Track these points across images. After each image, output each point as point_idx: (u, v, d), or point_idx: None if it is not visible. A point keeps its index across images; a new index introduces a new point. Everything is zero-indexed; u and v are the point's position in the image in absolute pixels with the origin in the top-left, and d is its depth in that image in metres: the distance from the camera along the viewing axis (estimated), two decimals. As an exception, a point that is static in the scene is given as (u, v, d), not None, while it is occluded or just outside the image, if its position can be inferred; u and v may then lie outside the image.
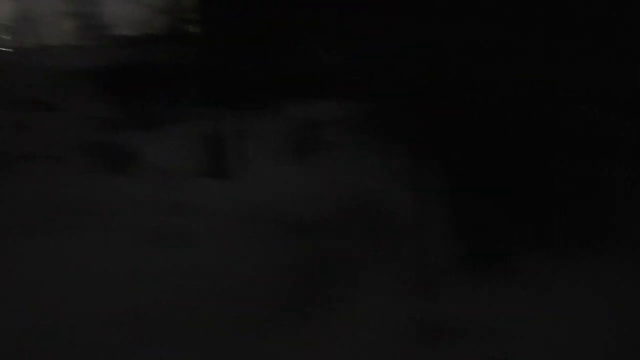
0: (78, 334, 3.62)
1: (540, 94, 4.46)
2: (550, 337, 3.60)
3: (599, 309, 3.79)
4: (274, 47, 11.51)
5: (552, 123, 4.47)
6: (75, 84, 9.51)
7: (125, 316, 3.85)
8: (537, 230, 4.43)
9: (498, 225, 4.46)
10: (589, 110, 4.45)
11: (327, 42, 12.57)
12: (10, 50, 21.02)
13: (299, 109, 11.22)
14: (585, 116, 4.46)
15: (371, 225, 5.33)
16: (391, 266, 4.74)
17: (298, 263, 4.87)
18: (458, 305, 4.06)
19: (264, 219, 5.50)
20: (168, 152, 8.76)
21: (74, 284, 4.25)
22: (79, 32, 24.02)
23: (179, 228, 5.28)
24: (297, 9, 11.78)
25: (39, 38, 22.37)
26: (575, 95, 4.48)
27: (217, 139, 7.88)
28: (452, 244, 4.71)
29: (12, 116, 6.57)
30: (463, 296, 4.18)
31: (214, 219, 5.44)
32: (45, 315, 3.83)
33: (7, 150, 6.18)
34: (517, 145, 4.44)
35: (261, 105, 10.65)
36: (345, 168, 6.38)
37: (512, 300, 4.05)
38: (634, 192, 4.57)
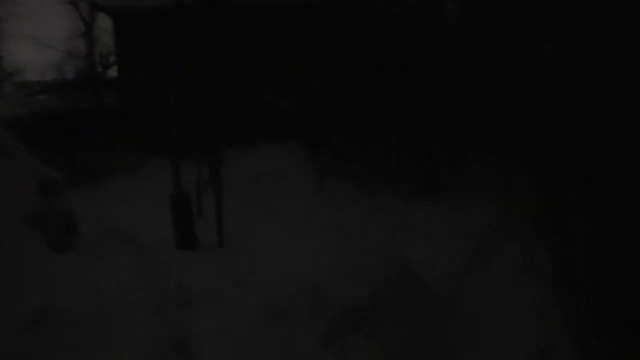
0: None
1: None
2: None
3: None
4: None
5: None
6: (11, 140, 7.51)
7: None
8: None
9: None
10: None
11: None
12: None
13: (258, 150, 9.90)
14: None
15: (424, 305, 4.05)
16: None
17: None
18: None
19: (288, 306, 4.01)
20: (124, 214, 7.04)
21: None
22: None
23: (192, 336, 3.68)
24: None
25: None
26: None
27: (178, 193, 6.20)
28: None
29: None
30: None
31: (234, 313, 3.85)
32: None
33: None
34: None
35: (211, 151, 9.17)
36: (365, 223, 5.06)
37: None
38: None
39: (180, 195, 5.84)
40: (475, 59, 5.38)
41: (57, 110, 12.65)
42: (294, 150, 9.81)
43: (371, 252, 4.87)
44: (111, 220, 6.94)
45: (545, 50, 3.54)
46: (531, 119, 3.67)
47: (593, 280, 3.29)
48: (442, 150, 6.37)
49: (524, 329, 3.87)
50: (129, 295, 4.06)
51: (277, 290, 4.03)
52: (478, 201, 5.19)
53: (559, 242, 3.54)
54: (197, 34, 10.82)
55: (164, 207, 6.05)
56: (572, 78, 2.89)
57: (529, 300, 3.82)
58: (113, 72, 15.72)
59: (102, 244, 5.89)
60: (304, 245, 5.24)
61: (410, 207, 5.93)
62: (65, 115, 12.28)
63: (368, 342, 3.67)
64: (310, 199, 7.15)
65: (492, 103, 4.85)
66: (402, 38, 7.55)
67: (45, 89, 14.63)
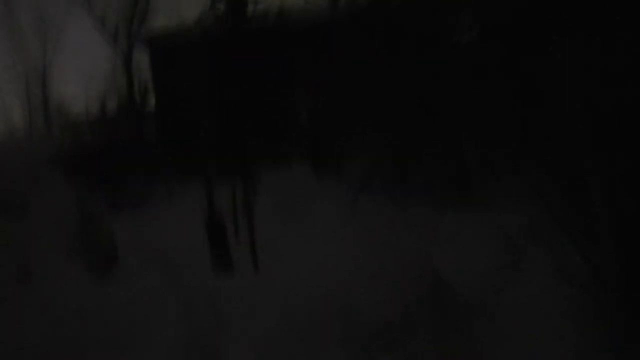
0: None
1: None
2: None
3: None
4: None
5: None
6: (36, 178, 7.71)
7: None
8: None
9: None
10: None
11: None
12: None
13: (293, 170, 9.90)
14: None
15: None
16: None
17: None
18: None
19: (318, 327, 3.95)
20: (162, 239, 7.13)
21: None
22: (31, 117, 22.14)
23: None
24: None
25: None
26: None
27: (213, 218, 6.23)
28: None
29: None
30: None
31: (264, 333, 3.83)
32: None
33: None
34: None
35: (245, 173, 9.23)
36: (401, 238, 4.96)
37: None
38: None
39: (213, 218, 5.89)
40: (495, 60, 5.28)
41: (100, 142, 13.03)
42: (327, 166, 9.80)
43: (403, 266, 4.77)
44: (151, 244, 7.06)
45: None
46: (551, 120, 3.55)
47: (624, 282, 3.13)
48: (473, 154, 6.23)
49: (560, 337, 3.71)
50: (159, 316, 4.10)
51: (307, 309, 3.99)
52: (511, 206, 5.03)
53: (589, 245, 3.40)
54: (226, 61, 11.01)
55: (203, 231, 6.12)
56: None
57: (564, 306, 3.68)
58: (151, 102, 16.14)
59: (140, 269, 6.00)
60: (335, 262, 5.17)
61: (443, 215, 5.80)
62: (108, 147, 12.63)
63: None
64: (342, 213, 7.10)
65: (516, 104, 4.72)
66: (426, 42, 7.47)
67: (89, 122, 15.08)
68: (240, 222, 6.70)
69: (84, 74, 24.48)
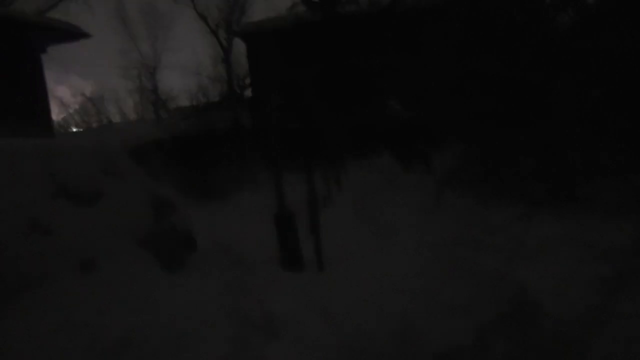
0: None
1: None
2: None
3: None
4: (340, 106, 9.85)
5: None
6: (125, 163, 7.80)
7: None
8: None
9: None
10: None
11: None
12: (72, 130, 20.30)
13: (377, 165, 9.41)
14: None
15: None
16: None
17: None
18: None
19: (373, 347, 3.46)
20: (242, 230, 6.99)
21: None
22: (142, 106, 23.42)
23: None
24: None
25: (104, 115, 21.81)
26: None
27: (283, 213, 5.87)
28: None
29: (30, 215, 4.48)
30: None
31: (315, 350, 3.42)
32: None
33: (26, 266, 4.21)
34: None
35: (335, 168, 8.89)
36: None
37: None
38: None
39: (282, 214, 5.58)
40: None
41: (196, 132, 13.32)
42: (413, 162, 9.22)
43: (483, 279, 4.16)
44: (229, 236, 6.93)
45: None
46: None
47: None
48: (574, 155, 5.40)
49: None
50: (211, 322, 3.82)
51: (365, 326, 3.53)
52: (611, 215, 4.22)
53: None
54: (318, 48, 10.71)
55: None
56: None
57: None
58: (248, 92, 16.33)
59: (213, 263, 5.83)
60: (407, 269, 4.66)
61: (535, 222, 5.06)
62: (203, 136, 12.87)
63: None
64: (424, 214, 6.52)
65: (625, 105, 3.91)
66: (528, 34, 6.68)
67: (190, 113, 15.52)
68: (313, 218, 6.34)
69: (191, 68, 25.43)
